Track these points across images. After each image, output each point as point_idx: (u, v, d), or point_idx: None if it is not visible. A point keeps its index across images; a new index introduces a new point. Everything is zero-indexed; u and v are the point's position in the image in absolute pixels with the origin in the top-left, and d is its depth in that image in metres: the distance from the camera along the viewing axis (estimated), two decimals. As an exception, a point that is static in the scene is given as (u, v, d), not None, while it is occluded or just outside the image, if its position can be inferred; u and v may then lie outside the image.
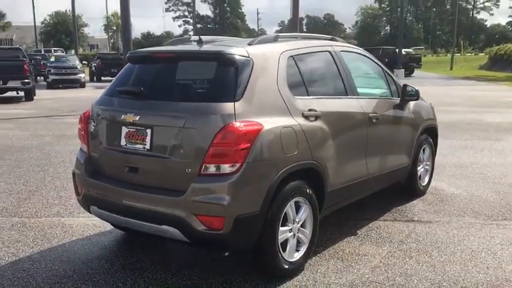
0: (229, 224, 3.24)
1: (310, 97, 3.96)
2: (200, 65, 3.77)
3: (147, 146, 3.52)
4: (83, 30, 74.26)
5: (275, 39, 4.04)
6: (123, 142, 3.65)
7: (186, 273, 3.79)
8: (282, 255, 3.62)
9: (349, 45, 4.97)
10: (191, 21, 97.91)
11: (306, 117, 3.79)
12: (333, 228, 4.72)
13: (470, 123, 11.82)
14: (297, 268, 3.79)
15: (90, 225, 4.81)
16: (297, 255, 3.79)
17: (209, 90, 3.61)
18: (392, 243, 4.42)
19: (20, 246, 4.35)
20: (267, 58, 3.72)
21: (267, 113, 3.50)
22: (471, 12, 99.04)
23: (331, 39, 4.77)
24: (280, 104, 3.64)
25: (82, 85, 26.55)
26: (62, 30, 68.48)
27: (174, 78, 3.79)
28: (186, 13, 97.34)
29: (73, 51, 41.07)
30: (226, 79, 3.49)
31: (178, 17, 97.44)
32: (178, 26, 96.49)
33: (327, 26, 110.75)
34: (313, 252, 4.03)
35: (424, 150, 5.78)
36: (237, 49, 3.61)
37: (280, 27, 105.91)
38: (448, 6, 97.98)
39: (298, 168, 3.65)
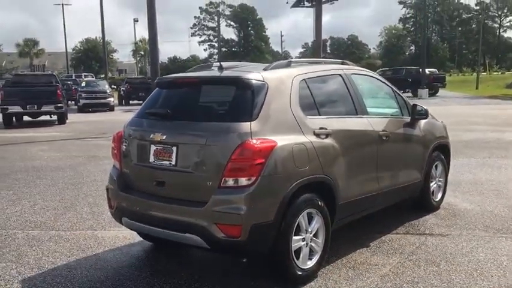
0: (245, 232, 3.58)
1: (322, 116, 4.31)
2: (220, 89, 4.18)
3: (173, 162, 3.91)
4: (112, 55, 76.63)
5: (288, 65, 4.42)
6: (151, 159, 4.06)
7: (208, 277, 4.13)
8: (295, 263, 3.92)
9: (360, 68, 5.33)
10: (216, 45, 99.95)
11: (317, 135, 4.13)
12: (347, 240, 4.99)
13: (489, 142, 11.93)
14: (310, 275, 4.08)
15: (121, 237, 5.21)
16: (310, 263, 4.09)
17: (228, 111, 3.99)
18: (402, 254, 4.67)
19: (58, 255, 4.76)
20: (281, 82, 4.10)
21: (281, 131, 3.86)
22: (497, 31, 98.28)
23: (342, 63, 5.13)
24: (293, 123, 3.99)
25: (111, 109, 27.46)
26: (92, 56, 70.99)
27: (197, 101, 4.19)
28: (211, 37, 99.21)
29: (103, 76, 42.40)
30: (244, 101, 3.88)
31: (203, 41, 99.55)
32: (204, 50, 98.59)
33: (351, 47, 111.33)
34: (326, 261, 4.33)
35: (436, 166, 6.03)
36: (253, 74, 4.00)
37: (304, 49, 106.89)
38: (473, 26, 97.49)
39: (310, 182, 3.98)
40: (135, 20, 70.23)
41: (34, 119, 20.13)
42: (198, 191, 3.75)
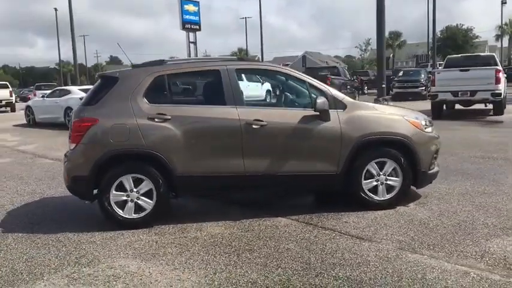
0: (69, 181, 5.38)
1: (165, 105, 5.43)
2: (101, 82, 5.84)
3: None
4: (473, 42, 73.52)
5: (159, 63, 5.67)
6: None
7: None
8: (116, 211, 5.31)
9: (256, 63, 5.79)
10: None
11: (152, 119, 5.32)
12: (229, 215, 5.71)
13: None
14: (135, 223, 5.34)
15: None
16: (136, 216, 5.36)
17: (87, 98, 5.67)
18: (238, 230, 5.20)
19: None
20: (131, 77, 5.52)
21: (110, 114, 5.33)
22: None
23: (239, 59, 5.78)
24: (127, 109, 5.34)
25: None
26: (450, 43, 69.30)
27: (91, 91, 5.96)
28: None
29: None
30: (96, 91, 5.58)
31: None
32: None
33: None
34: (175, 222, 5.47)
35: (382, 164, 5.68)
36: (113, 72, 5.63)
37: None
38: None
39: (130, 153, 5.32)
40: (503, 2, 65.46)
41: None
42: (69, 153, 5.69)
